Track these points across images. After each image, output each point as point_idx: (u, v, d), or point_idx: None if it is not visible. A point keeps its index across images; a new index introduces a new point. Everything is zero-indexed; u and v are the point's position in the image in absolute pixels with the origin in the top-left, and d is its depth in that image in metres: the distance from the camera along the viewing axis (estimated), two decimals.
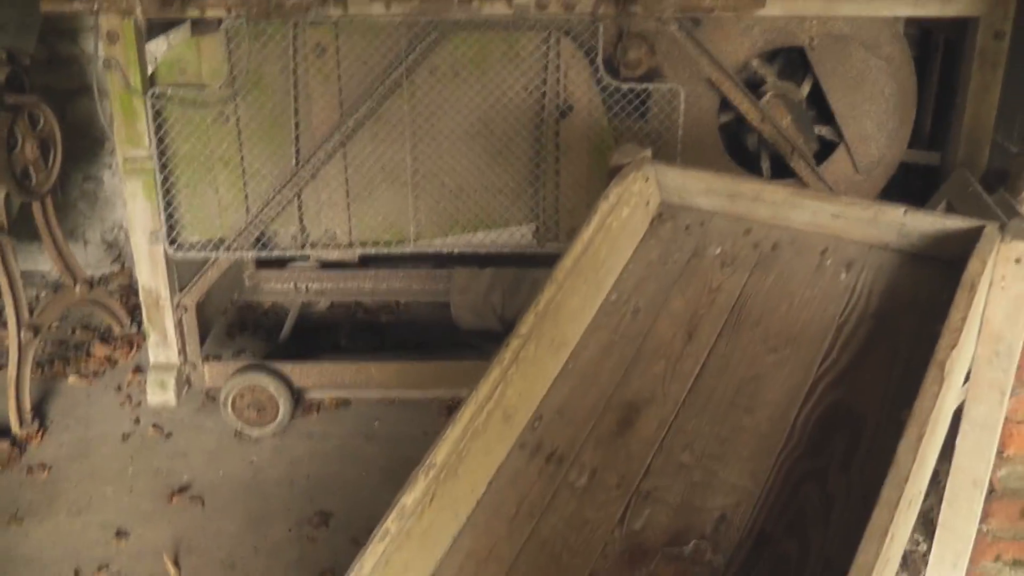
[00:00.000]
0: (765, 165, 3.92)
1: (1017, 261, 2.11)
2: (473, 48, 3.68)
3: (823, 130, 3.90)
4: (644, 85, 3.62)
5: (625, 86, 3.61)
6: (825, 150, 3.91)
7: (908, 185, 4.10)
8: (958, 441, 2.39)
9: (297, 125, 3.78)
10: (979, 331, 2.19)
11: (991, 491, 3.02)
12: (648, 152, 2.39)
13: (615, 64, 3.60)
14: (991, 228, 2.07)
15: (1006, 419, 2.91)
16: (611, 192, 2.29)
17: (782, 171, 3.88)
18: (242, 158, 3.84)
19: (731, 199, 2.37)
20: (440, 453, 2.00)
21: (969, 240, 2.08)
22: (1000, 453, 2.94)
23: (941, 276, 2.13)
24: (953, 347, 1.89)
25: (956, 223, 2.13)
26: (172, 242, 3.88)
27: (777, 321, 2.20)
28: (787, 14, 3.62)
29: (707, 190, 2.39)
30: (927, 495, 2.42)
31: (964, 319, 1.93)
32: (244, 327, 4.73)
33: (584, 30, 3.61)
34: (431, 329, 4.61)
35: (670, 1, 3.45)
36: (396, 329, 4.75)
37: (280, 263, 4.76)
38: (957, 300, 1.95)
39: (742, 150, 3.96)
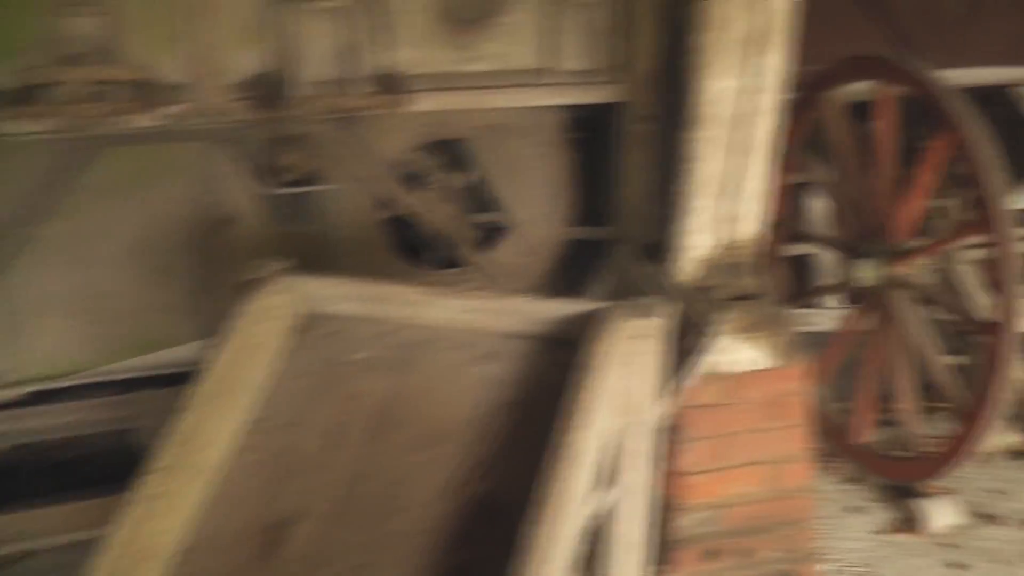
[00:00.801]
0: (431, 256, 3.97)
1: (637, 337, 2.23)
2: (130, 163, 3.54)
3: (492, 216, 4.01)
4: (300, 189, 3.61)
5: (283, 191, 3.59)
6: (498, 235, 4.03)
7: (587, 261, 4.27)
8: (616, 509, 2.47)
9: None
10: (622, 404, 2.28)
11: (675, 541, 3.16)
12: (282, 264, 2.36)
13: (272, 169, 3.57)
14: (608, 309, 2.17)
15: (681, 472, 3.08)
16: (241, 311, 2.24)
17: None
18: None
19: (371, 303, 2.38)
20: None
21: (591, 322, 2.18)
22: (680, 504, 3.10)
23: (573, 358, 2.21)
24: (578, 427, 1.96)
25: (576, 307, 2.22)
26: None
27: (422, 421, 2.21)
28: (440, 108, 3.69)
29: (347, 296, 2.39)
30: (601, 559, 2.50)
31: (586, 399, 2.00)
32: None
33: (240, 138, 3.57)
34: (120, 459, 4.34)
35: (318, 104, 3.46)
36: (80, 465, 4.45)
37: None
38: (577, 381, 2.02)
39: (415, 243, 4.01)
